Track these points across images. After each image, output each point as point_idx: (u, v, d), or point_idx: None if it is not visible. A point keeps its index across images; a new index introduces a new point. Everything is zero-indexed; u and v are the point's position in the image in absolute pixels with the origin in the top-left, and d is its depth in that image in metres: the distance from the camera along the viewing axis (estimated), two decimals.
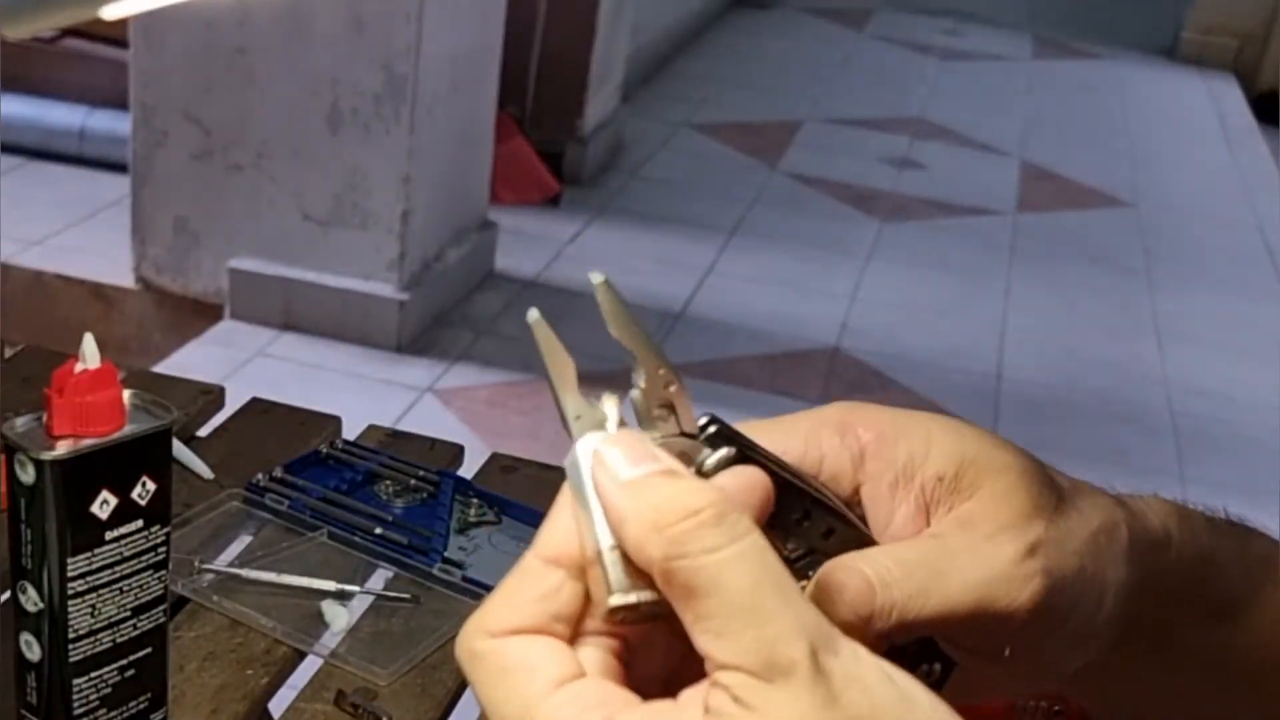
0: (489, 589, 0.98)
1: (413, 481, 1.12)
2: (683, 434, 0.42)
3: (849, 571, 0.44)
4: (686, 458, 0.42)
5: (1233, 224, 4.71)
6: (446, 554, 1.04)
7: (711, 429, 0.43)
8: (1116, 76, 6.33)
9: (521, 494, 1.13)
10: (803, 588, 0.42)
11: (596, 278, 0.40)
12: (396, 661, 0.92)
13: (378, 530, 1.05)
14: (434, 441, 1.21)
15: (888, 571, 0.44)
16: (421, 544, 1.04)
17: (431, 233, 3.11)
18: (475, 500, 1.11)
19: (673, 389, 0.42)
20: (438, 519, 1.08)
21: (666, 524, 0.37)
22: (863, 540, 0.47)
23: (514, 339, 3.16)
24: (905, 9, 6.93)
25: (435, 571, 1.02)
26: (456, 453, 1.20)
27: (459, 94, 3.10)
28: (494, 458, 1.21)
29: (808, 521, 0.46)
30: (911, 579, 0.43)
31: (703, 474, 0.42)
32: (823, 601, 0.43)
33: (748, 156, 4.67)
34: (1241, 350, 3.67)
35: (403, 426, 1.28)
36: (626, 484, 0.38)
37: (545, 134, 4.01)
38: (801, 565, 0.46)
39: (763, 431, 0.47)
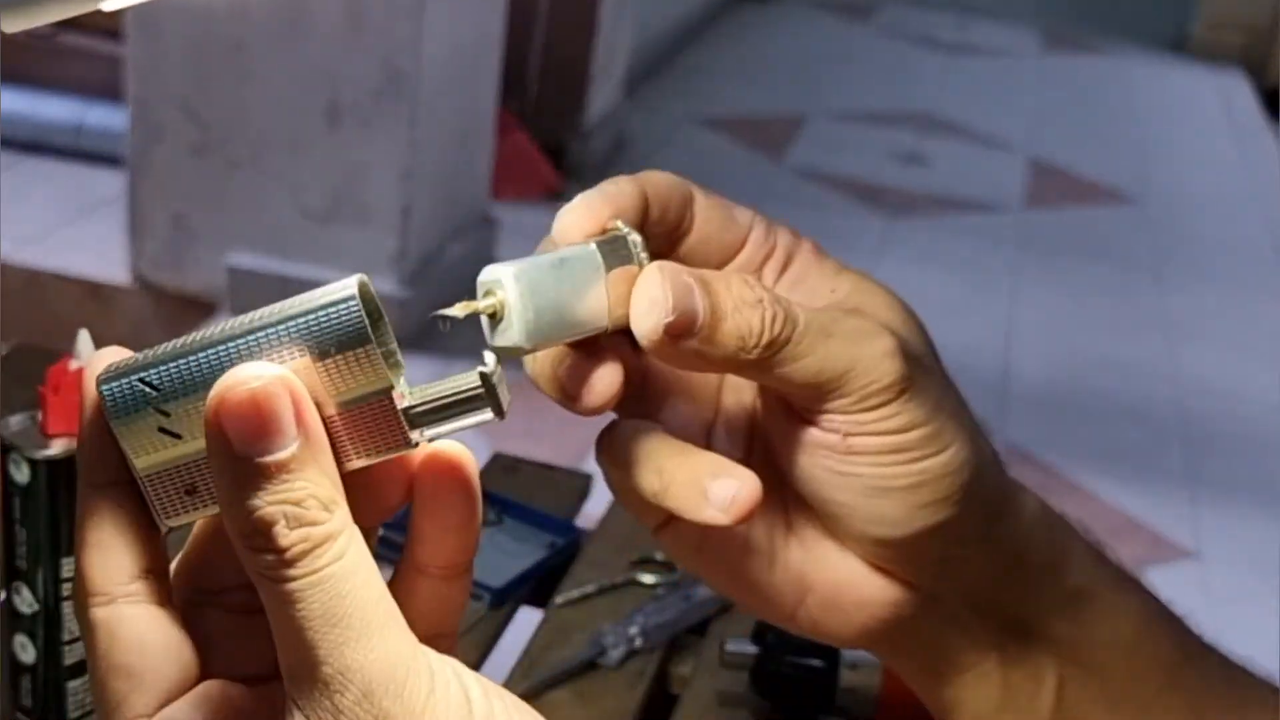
0: (489, 589, 0.96)
1: None
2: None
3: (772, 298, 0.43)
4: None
5: (1242, 220, 4.68)
6: None
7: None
8: (1125, 71, 6.30)
9: (522, 494, 1.11)
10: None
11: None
12: None
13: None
14: None
15: (789, 305, 0.43)
16: None
17: (432, 229, 3.09)
18: None
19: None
20: None
21: (251, 543, 0.36)
22: None
23: None
24: (911, 3, 6.90)
25: None
26: None
27: (459, 88, 3.08)
28: (494, 458, 1.19)
29: None
30: (809, 326, 0.43)
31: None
32: (724, 296, 0.42)
33: (752, 151, 4.64)
34: (1251, 348, 3.63)
35: None
36: (237, 469, 0.36)
37: (547, 129, 3.98)
38: None
39: (724, 200, 0.47)
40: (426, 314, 2.32)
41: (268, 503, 0.35)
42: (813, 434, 0.45)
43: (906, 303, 0.48)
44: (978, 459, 0.46)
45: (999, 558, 0.48)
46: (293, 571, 0.35)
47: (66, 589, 0.71)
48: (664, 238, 0.46)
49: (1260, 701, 0.52)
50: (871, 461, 0.45)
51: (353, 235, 2.97)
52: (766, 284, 0.46)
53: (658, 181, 0.45)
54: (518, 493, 1.11)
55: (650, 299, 0.41)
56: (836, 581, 0.47)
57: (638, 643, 0.93)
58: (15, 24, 0.38)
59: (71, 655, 0.73)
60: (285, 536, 0.35)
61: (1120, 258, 4.19)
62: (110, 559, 0.37)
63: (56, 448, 0.70)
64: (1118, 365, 3.50)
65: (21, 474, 0.69)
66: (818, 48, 6.01)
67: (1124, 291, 3.95)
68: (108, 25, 3.38)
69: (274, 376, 0.36)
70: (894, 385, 0.44)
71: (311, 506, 0.35)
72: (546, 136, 3.96)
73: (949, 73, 5.95)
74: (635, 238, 0.43)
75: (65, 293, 3.12)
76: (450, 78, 3.01)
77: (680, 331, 0.41)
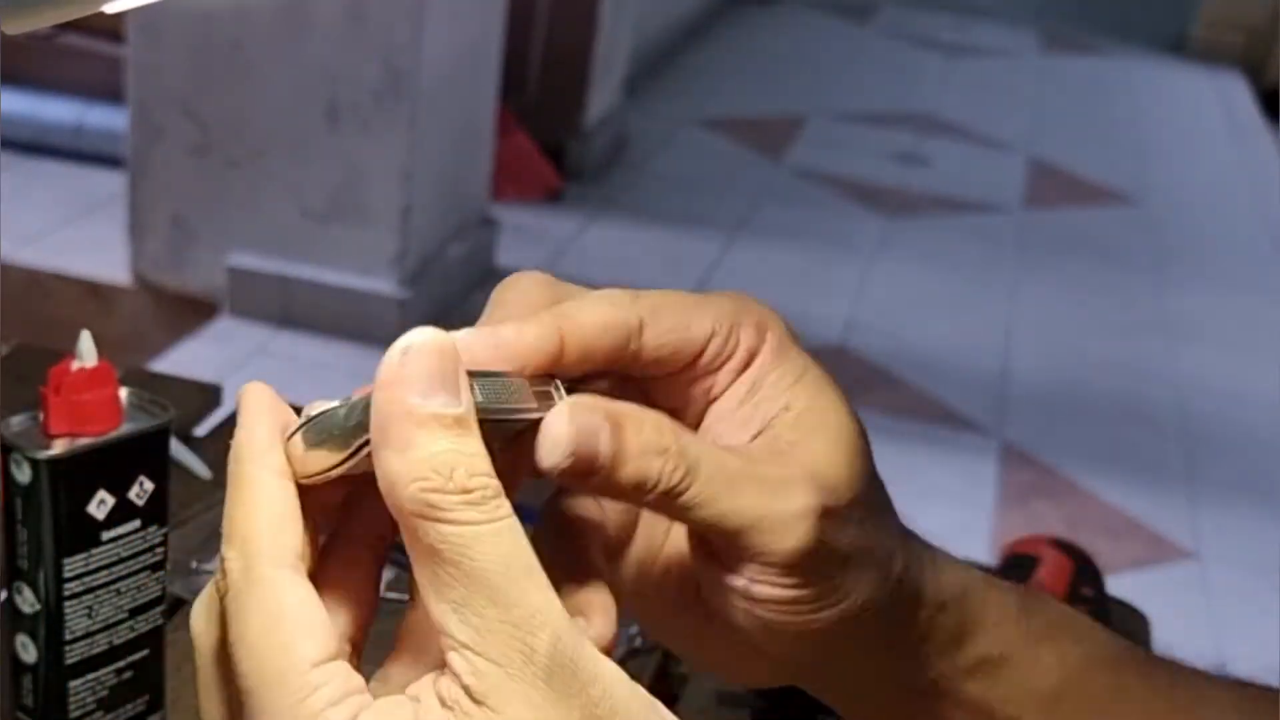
0: None
1: None
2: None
3: (682, 436, 0.42)
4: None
5: (1241, 220, 4.69)
6: None
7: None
8: (1124, 72, 6.30)
9: (522, 493, 1.10)
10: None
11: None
12: None
13: None
14: None
15: (695, 458, 0.42)
16: None
17: (432, 229, 3.09)
18: None
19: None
20: None
21: (429, 484, 0.35)
22: None
23: None
24: (911, 4, 6.91)
25: None
26: None
27: (460, 88, 3.08)
28: None
29: None
30: (713, 479, 0.42)
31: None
32: (628, 438, 0.41)
33: (752, 152, 4.64)
34: (1251, 349, 3.63)
35: None
36: (413, 413, 0.35)
37: (547, 129, 3.98)
38: None
39: (685, 307, 0.45)
40: (426, 314, 2.36)
41: (449, 449, 0.35)
42: (720, 570, 0.46)
43: (856, 417, 0.47)
44: (882, 588, 0.46)
45: (900, 647, 0.49)
46: (476, 514, 0.35)
47: (68, 589, 0.71)
48: (602, 367, 0.45)
49: (1217, 708, 0.52)
50: (768, 608, 0.45)
51: (353, 235, 2.97)
52: (728, 390, 0.46)
53: (587, 326, 0.43)
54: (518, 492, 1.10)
55: (553, 438, 0.41)
56: (738, 656, 0.48)
57: (638, 642, 0.93)
58: (17, 25, 0.38)
59: (73, 655, 0.73)
60: (470, 479, 0.35)
61: (1120, 258, 4.19)
62: (283, 536, 0.37)
63: (58, 448, 0.69)
64: (1118, 365, 3.50)
65: (23, 474, 0.69)
66: (818, 48, 6.01)
67: (1124, 291, 3.95)
68: (108, 27, 3.38)
69: (449, 339, 0.37)
70: (799, 550, 0.43)
71: (484, 465, 0.36)
72: (546, 136, 3.96)
73: (949, 73, 5.95)
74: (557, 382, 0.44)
75: (65, 293, 3.12)
76: (450, 78, 3.00)
77: (579, 472, 0.41)
